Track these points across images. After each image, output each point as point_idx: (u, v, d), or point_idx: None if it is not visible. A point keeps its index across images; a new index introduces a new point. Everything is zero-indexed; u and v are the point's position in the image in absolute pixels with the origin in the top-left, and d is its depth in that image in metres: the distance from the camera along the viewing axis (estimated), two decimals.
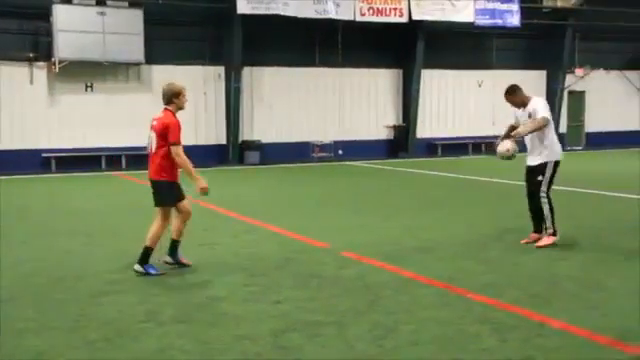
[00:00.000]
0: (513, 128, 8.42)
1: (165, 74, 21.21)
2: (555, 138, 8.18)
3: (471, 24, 23.87)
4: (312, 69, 23.32)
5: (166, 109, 6.93)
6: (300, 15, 21.10)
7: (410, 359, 4.48)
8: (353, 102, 24.09)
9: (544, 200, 7.99)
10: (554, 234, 7.98)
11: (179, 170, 6.85)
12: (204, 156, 21.22)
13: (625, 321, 5.11)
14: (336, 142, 23.32)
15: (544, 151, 8.07)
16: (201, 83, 21.69)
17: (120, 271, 6.99)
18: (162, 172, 6.77)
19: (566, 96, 27.26)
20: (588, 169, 18.93)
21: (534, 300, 5.74)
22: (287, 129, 23.04)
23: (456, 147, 24.93)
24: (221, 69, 21.76)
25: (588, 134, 27.82)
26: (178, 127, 6.77)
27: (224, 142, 21.85)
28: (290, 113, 23.12)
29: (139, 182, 16.04)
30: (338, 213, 11.20)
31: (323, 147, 23.07)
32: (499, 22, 24.32)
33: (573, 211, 10.84)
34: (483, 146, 25.18)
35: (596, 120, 27.78)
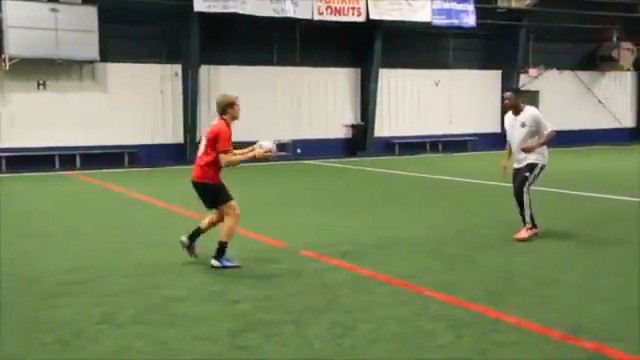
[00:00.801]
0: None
1: (120, 72, 21.00)
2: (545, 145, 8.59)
3: (428, 24, 24.11)
4: (270, 68, 23.27)
5: (221, 118, 7.20)
6: (258, 14, 21.04)
7: (368, 357, 4.51)
8: (311, 101, 24.12)
9: (526, 195, 8.42)
10: (533, 227, 8.38)
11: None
12: (161, 155, 21.04)
13: (577, 316, 5.23)
14: (294, 141, 23.31)
15: (535, 154, 8.50)
16: (157, 82, 21.48)
17: (77, 272, 6.88)
18: (206, 176, 7.14)
19: None
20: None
21: (490, 297, 5.83)
22: (245, 128, 22.86)
23: (414, 146, 25.16)
24: (178, 67, 21.57)
25: None
26: (228, 136, 7.06)
27: (181, 141, 21.67)
28: (248, 112, 22.84)
29: (95, 182, 15.79)
30: (296, 212, 11.21)
31: (281, 146, 23.03)
32: (455, 22, 24.62)
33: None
34: (440, 145, 25.49)
35: (549, 119, 28.27)
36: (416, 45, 25.34)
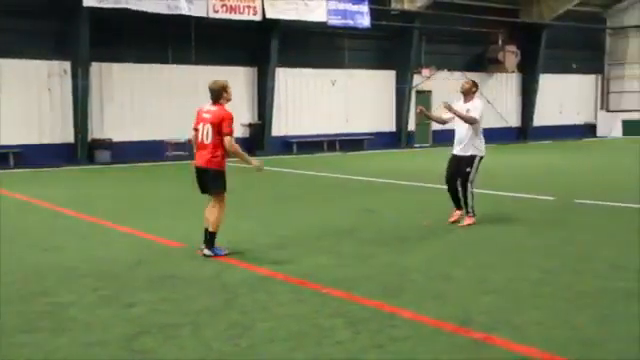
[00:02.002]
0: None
1: (5, 69, 19.98)
2: (483, 138, 9.35)
3: (324, 24, 24.35)
4: (165, 66, 22.81)
5: (218, 104, 7.44)
6: (151, 10, 20.54)
7: (266, 356, 4.49)
8: (208, 100, 23.78)
9: (470, 188, 9.19)
10: (474, 215, 9.22)
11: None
12: (50, 155, 20.16)
13: (467, 308, 5.42)
14: (191, 140, 22.93)
15: (474, 146, 9.22)
16: (45, 79, 20.57)
17: None
18: (216, 161, 7.33)
19: (414, 95, 28.50)
20: (436, 166, 19.90)
21: (385, 292, 5.94)
22: (140, 127, 22.38)
23: (311, 145, 25.35)
24: (67, 65, 20.73)
25: (434, 132, 29.26)
26: (231, 118, 7.35)
27: (72, 141, 20.86)
28: (143, 111, 22.47)
29: None
30: (193, 212, 10.99)
31: (177, 145, 22.62)
32: (350, 23, 24.98)
33: (422, 205, 11.37)
34: (337, 143, 25.81)
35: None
36: (312, 45, 25.55)
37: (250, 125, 24.56)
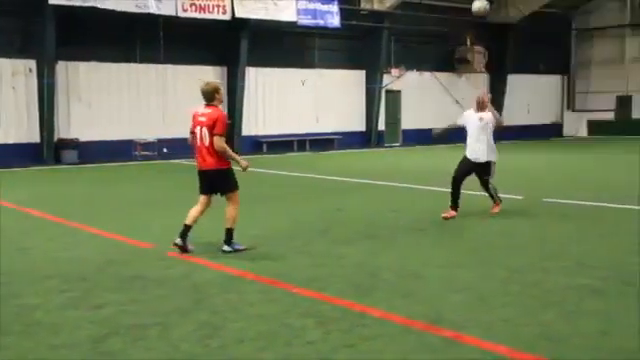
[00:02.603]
0: None
1: None
2: None
3: (294, 23, 24.34)
4: (133, 65, 22.61)
5: (211, 105, 7.56)
6: (119, 9, 20.36)
7: (236, 357, 4.47)
8: (177, 99, 23.64)
9: (491, 186, 10.10)
10: (500, 203, 10.14)
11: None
12: (15, 155, 19.86)
13: (437, 306, 5.46)
14: (160, 140, 22.78)
15: (492, 151, 10.06)
16: (9, 77, 20.26)
17: None
18: (218, 162, 7.47)
19: (384, 95, 28.64)
20: (406, 165, 20.04)
21: (356, 291, 5.95)
22: (108, 127, 22.15)
23: (281, 144, 25.33)
24: (32, 63, 20.43)
25: (404, 131, 29.44)
26: (225, 119, 7.54)
27: (38, 140, 20.55)
28: (110, 110, 22.24)
29: None
30: (163, 213, 10.94)
31: (146, 145, 22.44)
32: (320, 22, 25.03)
33: (393, 205, 11.42)
34: (307, 143, 25.81)
35: (411, 118, 29.47)
36: (282, 44, 25.53)
37: None
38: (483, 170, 10.03)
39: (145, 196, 13.42)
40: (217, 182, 7.60)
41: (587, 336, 4.71)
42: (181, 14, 21.70)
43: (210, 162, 7.51)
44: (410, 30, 28.75)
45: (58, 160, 20.50)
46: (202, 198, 7.72)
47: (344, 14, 25.61)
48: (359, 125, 28.12)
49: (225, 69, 24.51)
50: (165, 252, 7.62)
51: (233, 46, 23.89)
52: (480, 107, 10.09)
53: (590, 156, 21.83)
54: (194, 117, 7.65)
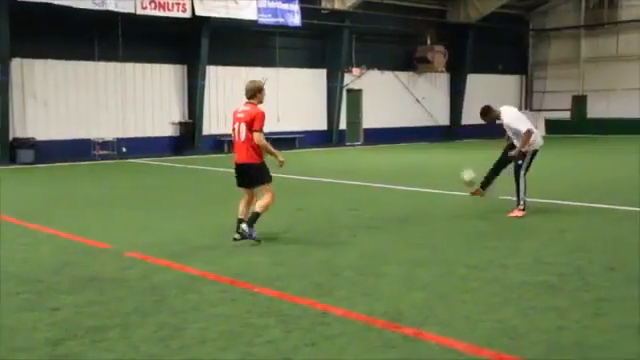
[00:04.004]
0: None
1: None
2: (536, 131, 9.85)
3: (254, 22, 24.26)
4: (91, 63, 22.28)
5: (249, 102, 8.01)
6: (76, 5, 20.04)
7: (198, 357, 4.44)
8: (136, 98, 23.40)
9: (522, 179, 9.69)
10: (524, 209, 9.69)
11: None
12: None
13: (397, 304, 5.49)
14: (119, 139, 22.50)
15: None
16: None
17: None
18: (255, 155, 7.90)
19: (345, 94, 28.73)
20: (367, 164, 20.13)
21: (317, 290, 5.96)
22: (65, 126, 21.79)
23: None
24: None
25: (365, 130, 29.57)
26: (263, 116, 7.95)
27: None
28: (68, 109, 21.88)
29: None
30: (121, 213, 10.81)
31: (105, 145, 22.13)
32: (281, 21, 25.00)
33: (354, 203, 11.45)
34: (268, 142, 25.70)
35: (372, 117, 29.63)
36: (243, 43, 25.42)
37: (180, 124, 24.25)
38: (517, 158, 9.86)
39: (103, 196, 13.23)
40: (251, 175, 8.01)
41: (544, 331, 4.79)
42: (140, 11, 21.45)
43: (245, 156, 7.93)
44: (371, 29, 28.90)
45: (13, 160, 20.09)
46: (243, 191, 8.19)
47: (305, 13, 25.61)
48: (320, 124, 28.16)
49: (185, 68, 24.32)
50: (123, 252, 7.53)
51: (194, 44, 23.71)
52: (494, 120, 9.97)
53: (546, 154, 22.20)
54: (234, 115, 8.10)
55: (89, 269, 6.82)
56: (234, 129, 8.03)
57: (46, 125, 21.30)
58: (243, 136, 7.91)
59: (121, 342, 4.68)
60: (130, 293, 5.91)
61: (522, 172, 9.74)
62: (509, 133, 9.97)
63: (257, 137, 7.87)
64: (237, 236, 7.84)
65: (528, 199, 9.89)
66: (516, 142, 9.81)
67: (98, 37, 22.27)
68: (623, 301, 5.51)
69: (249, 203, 8.11)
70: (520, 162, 9.75)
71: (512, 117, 9.84)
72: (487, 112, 9.99)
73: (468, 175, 10.21)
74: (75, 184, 15.61)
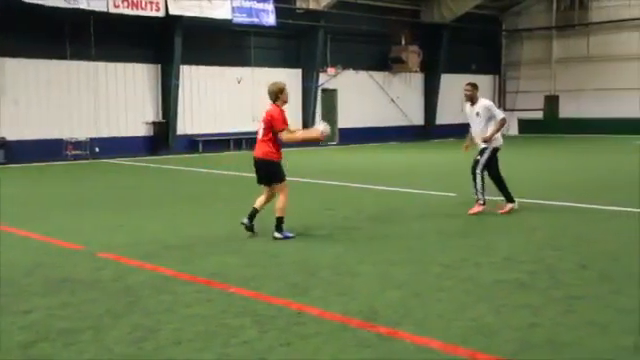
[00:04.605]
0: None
1: None
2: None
3: (229, 21, 24.17)
4: (63, 62, 22.02)
5: (274, 104, 8.23)
6: (47, 3, 19.79)
7: (173, 358, 4.41)
8: (109, 97, 23.17)
9: (478, 176, 9.80)
10: (484, 203, 9.80)
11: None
12: None
13: (373, 303, 5.51)
14: (92, 139, 22.27)
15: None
16: None
17: None
18: (270, 153, 8.15)
19: (320, 94, 28.74)
20: (341, 163, 20.16)
21: (293, 290, 5.96)
22: (37, 125, 21.50)
23: (217, 143, 25.12)
24: None
25: (341, 130, 29.60)
26: (283, 118, 8.12)
27: None
28: (39, 108, 21.60)
29: None
30: (94, 213, 10.70)
31: (77, 145, 21.90)
32: (256, 21, 24.93)
33: (329, 202, 11.47)
34: (244, 142, 25.67)
35: (347, 117, 29.68)
36: (218, 42, 25.31)
37: (154, 123, 24.07)
38: (477, 154, 10.00)
39: (75, 196, 13.09)
40: (265, 172, 8.26)
41: (517, 329, 4.85)
42: (112, 10, 21.25)
43: (260, 152, 8.24)
44: (346, 29, 28.94)
45: None
46: (262, 188, 8.45)
47: (280, 13, 25.58)
48: (295, 124, 28.05)
49: (159, 67, 24.14)
50: (95, 253, 7.46)
51: (167, 44, 23.56)
52: (472, 101, 10.00)
53: (520, 153, 22.42)
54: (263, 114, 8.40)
55: (62, 271, 6.75)
56: (258, 128, 8.42)
57: (17, 124, 21.01)
58: (261, 135, 8.26)
59: (94, 344, 4.64)
60: (103, 294, 5.86)
61: (479, 168, 9.86)
62: (480, 120, 9.87)
63: (282, 137, 8.15)
64: (245, 221, 8.31)
65: (495, 198, 10.01)
66: (480, 135, 9.85)
67: (70, 36, 22.03)
68: (594, 299, 5.59)
69: (268, 199, 8.41)
70: (478, 157, 9.86)
71: (494, 106, 10.02)
72: (476, 87, 10.11)
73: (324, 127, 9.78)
74: (47, 185, 15.43)
